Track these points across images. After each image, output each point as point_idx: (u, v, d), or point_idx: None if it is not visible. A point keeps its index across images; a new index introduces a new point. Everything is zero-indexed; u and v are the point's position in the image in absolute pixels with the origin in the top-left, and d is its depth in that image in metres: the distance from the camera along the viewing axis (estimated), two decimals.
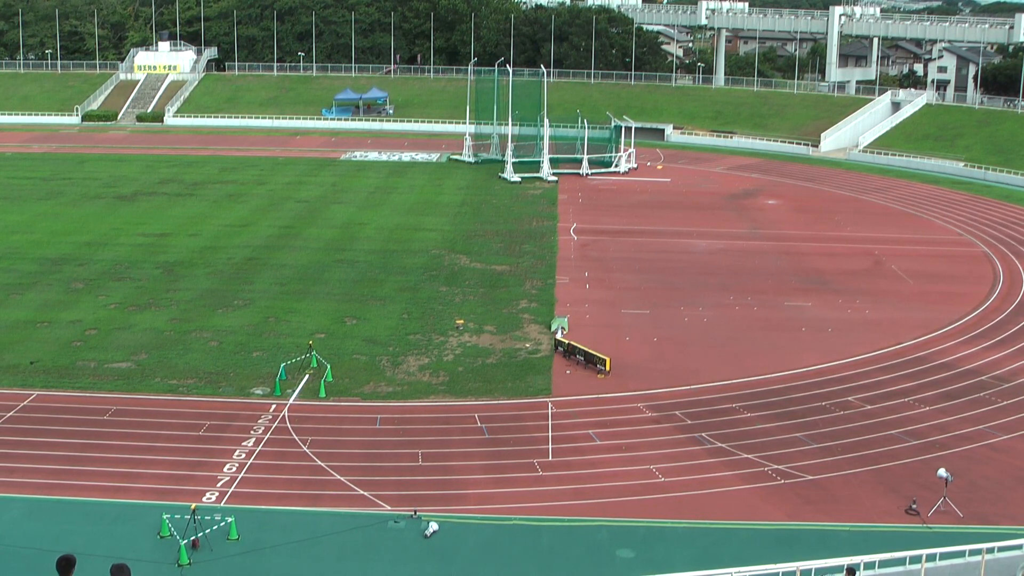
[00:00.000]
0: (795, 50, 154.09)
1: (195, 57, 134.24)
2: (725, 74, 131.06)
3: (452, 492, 31.12)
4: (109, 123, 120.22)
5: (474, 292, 53.12)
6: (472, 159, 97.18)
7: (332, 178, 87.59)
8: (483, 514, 29.71)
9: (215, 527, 28.05)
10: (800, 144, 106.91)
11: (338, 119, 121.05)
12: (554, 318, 47.82)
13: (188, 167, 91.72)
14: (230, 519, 28.24)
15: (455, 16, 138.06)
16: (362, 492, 30.84)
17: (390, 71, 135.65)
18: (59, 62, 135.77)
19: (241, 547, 27.56)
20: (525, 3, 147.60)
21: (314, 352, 41.66)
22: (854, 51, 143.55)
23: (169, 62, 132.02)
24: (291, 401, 37.90)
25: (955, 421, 37.00)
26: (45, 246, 61.03)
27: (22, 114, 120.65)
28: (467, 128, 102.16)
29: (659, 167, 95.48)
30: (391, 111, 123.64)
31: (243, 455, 33.20)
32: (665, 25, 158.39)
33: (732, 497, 31.06)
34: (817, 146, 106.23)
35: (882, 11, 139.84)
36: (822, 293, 54.09)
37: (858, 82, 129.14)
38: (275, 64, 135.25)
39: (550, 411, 37.38)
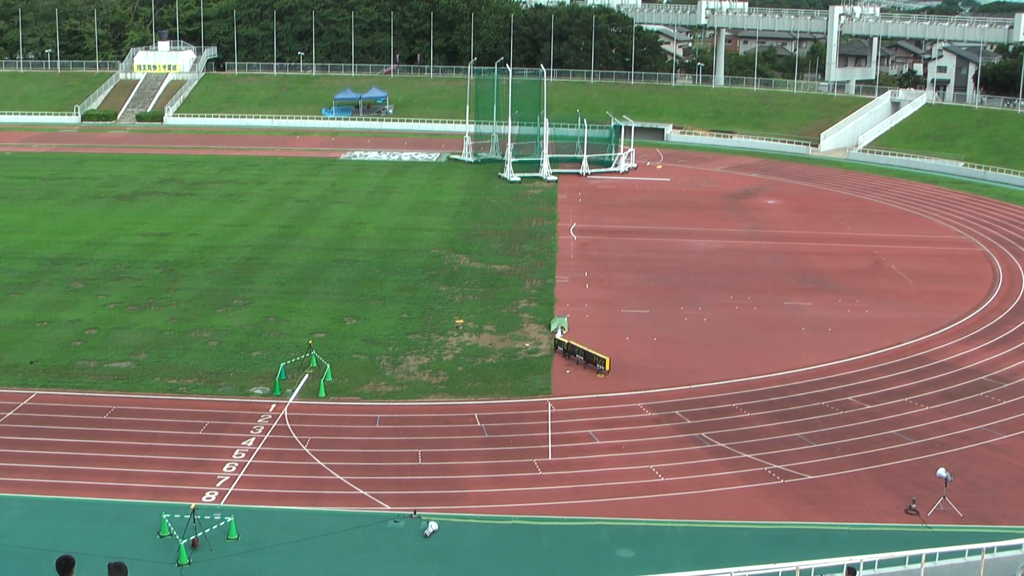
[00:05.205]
0: (795, 50, 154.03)
1: (195, 57, 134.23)
2: (725, 74, 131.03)
3: (452, 492, 31.11)
4: (109, 123, 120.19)
5: (474, 292, 53.11)
6: (472, 159, 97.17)
7: (332, 178, 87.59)
8: (483, 514, 29.70)
9: (215, 527, 28.05)
10: (800, 144, 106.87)
11: (338, 119, 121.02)
12: (554, 318, 47.81)
13: (188, 167, 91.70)
14: (230, 519, 28.25)
15: (455, 16, 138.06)
16: (362, 492, 30.84)
17: (390, 71, 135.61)
18: (59, 61, 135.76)
19: (241, 547, 27.56)
20: (525, 3, 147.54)
21: (314, 352, 41.65)
22: (854, 51, 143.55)
23: (169, 62, 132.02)
24: (291, 401, 37.90)
25: (955, 421, 37.01)
26: (45, 246, 61.03)
27: (22, 114, 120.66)
28: (467, 128, 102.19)
29: (659, 167, 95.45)
30: (391, 111, 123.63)
31: (243, 455, 33.20)
32: (665, 25, 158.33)
33: (732, 497, 31.06)
34: (817, 146, 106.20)
35: (882, 11, 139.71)
36: (822, 293, 54.08)
37: (858, 82, 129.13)
38: (275, 64, 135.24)
39: (550, 411, 37.38)
